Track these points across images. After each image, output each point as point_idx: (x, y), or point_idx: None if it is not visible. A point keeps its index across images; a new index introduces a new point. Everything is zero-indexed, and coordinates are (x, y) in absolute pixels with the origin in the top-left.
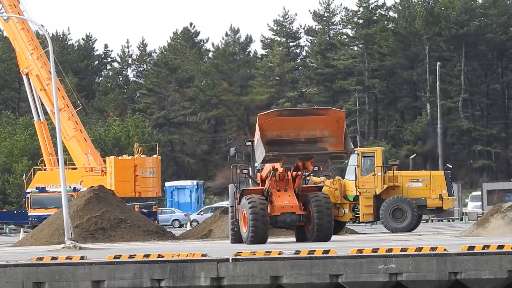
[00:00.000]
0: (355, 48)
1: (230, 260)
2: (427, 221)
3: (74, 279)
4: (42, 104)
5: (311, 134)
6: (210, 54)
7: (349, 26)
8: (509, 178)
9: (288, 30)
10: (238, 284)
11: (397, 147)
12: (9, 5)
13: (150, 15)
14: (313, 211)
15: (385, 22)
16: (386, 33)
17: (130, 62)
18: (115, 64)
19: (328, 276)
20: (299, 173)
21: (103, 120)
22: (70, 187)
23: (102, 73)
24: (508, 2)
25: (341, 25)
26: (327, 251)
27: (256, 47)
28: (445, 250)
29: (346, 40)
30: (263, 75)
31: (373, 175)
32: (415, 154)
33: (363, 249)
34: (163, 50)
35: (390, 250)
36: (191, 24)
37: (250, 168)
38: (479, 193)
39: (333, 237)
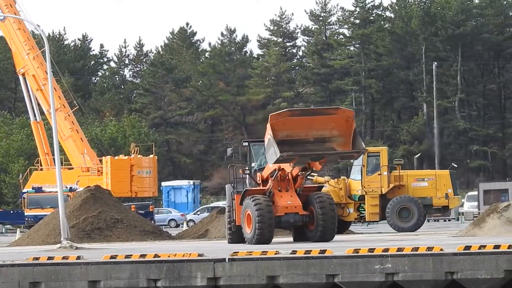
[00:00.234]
0: (352, 48)
1: (227, 260)
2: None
3: (71, 279)
4: (39, 104)
5: (320, 134)
6: (207, 54)
7: (346, 26)
8: (506, 178)
9: (285, 30)
10: (235, 284)
11: (394, 147)
12: (5, 5)
13: (147, 15)
14: (317, 211)
15: (382, 22)
16: (383, 33)
17: (127, 62)
18: (112, 64)
19: (324, 276)
20: (299, 173)
21: (100, 120)
22: (66, 187)
23: (99, 73)
24: (505, 2)
25: (338, 25)
26: (323, 251)
27: (253, 47)
28: (441, 250)
29: (343, 40)
30: (259, 75)
31: (378, 174)
32: (419, 154)
33: (360, 249)
34: (159, 50)
35: (386, 250)
36: (187, 24)
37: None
38: (475, 193)
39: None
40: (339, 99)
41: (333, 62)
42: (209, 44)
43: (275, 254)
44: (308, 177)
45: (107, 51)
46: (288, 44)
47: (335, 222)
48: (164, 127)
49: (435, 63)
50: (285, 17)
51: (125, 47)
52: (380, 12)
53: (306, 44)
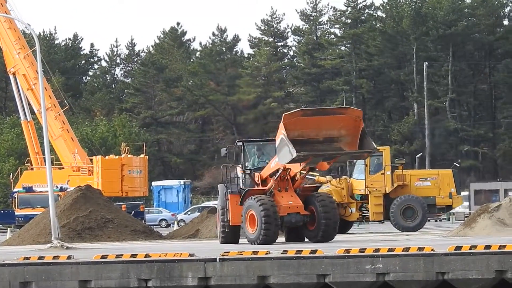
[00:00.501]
0: (343, 48)
1: (218, 260)
2: None
3: (61, 278)
4: (29, 104)
5: (329, 133)
6: (197, 54)
7: (337, 26)
8: (496, 179)
9: (276, 30)
10: (226, 284)
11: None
12: None
13: (138, 14)
14: (319, 211)
15: (373, 22)
16: (374, 33)
17: (118, 61)
18: (103, 64)
19: (315, 276)
20: (298, 172)
21: (90, 120)
22: (57, 186)
23: (89, 72)
24: (496, 2)
25: (329, 24)
26: (314, 251)
27: (243, 47)
28: (432, 250)
29: (334, 39)
30: (250, 75)
31: (382, 174)
32: (421, 153)
33: (351, 249)
34: (150, 50)
35: (377, 250)
36: (178, 23)
37: (238, 168)
38: (466, 193)
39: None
40: (330, 99)
41: (324, 62)
42: (200, 43)
43: (266, 254)
44: (310, 176)
45: (98, 50)
46: (279, 44)
47: (337, 223)
48: (155, 126)
49: (426, 63)
50: (276, 17)
51: (116, 47)
52: (371, 12)
53: (297, 44)
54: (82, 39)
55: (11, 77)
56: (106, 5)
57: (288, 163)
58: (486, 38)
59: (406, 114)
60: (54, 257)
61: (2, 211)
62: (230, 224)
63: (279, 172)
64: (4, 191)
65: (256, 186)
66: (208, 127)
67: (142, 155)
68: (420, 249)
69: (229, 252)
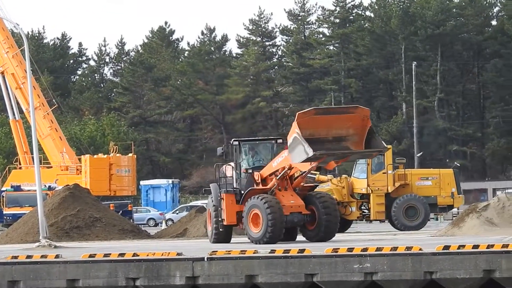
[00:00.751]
0: (331, 48)
1: (205, 259)
2: None
3: (49, 277)
4: (18, 103)
5: (339, 132)
6: (186, 53)
7: (325, 25)
8: (485, 178)
9: (264, 29)
10: (213, 283)
11: None
12: None
13: (127, 13)
14: (321, 211)
15: (362, 21)
16: (362, 32)
17: (107, 60)
18: (91, 63)
19: (303, 275)
20: (295, 172)
21: (79, 119)
22: (45, 185)
23: (78, 71)
24: (484, 2)
25: (317, 24)
26: (302, 250)
27: (232, 46)
28: (420, 249)
29: (323, 39)
30: (238, 74)
31: (383, 173)
32: (421, 152)
33: (338, 249)
34: (139, 49)
35: (365, 249)
36: (166, 23)
37: (231, 166)
38: None
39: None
40: (318, 98)
41: (313, 62)
42: (188, 43)
43: (254, 253)
44: (310, 175)
45: (86, 49)
46: (267, 43)
47: (338, 222)
48: (143, 126)
49: (415, 62)
50: (263, 17)
51: (104, 46)
52: (360, 12)
53: (285, 43)
54: (71, 38)
55: None
56: (94, 5)
57: (302, 162)
58: (474, 38)
59: (395, 114)
60: (42, 256)
61: None
62: (225, 224)
63: (284, 171)
64: None
65: (255, 186)
66: (197, 127)
67: (130, 154)
68: (408, 248)
69: (217, 251)
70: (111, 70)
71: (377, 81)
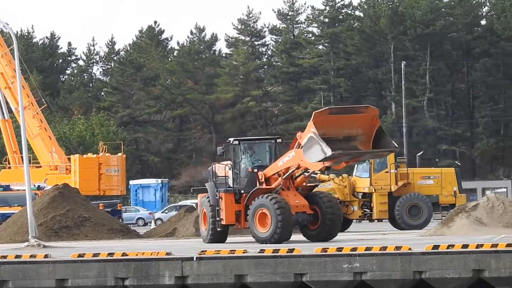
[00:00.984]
0: (321, 47)
1: (195, 259)
2: None
3: (38, 277)
4: (7, 102)
5: (349, 132)
6: (175, 53)
7: (315, 25)
8: (474, 178)
9: (253, 29)
10: (203, 282)
11: None
12: None
13: (116, 13)
14: (324, 211)
15: (351, 21)
16: (352, 32)
17: (97, 59)
18: (80, 62)
19: (292, 275)
20: (296, 171)
21: (68, 118)
22: (34, 185)
23: (67, 71)
24: (474, 2)
25: (307, 23)
26: (291, 250)
27: (221, 46)
28: (409, 249)
29: (312, 38)
30: (228, 74)
31: (386, 172)
32: (422, 152)
33: (328, 248)
34: (128, 49)
35: (354, 249)
36: (155, 22)
37: (223, 166)
38: None
39: (297, 237)
40: (307, 98)
41: (302, 61)
42: (178, 43)
43: (243, 253)
44: (312, 174)
45: (75, 49)
46: (256, 43)
47: (341, 222)
48: (133, 125)
49: (404, 62)
50: (252, 16)
51: (93, 45)
52: (349, 11)
53: (274, 43)
54: (60, 37)
55: None
56: (83, 4)
57: (318, 161)
58: (463, 37)
59: (384, 113)
60: (31, 256)
61: None
62: (223, 223)
63: (291, 170)
64: None
65: (259, 185)
66: (186, 126)
67: (119, 154)
68: (398, 248)
69: (206, 251)
70: (100, 70)
71: (367, 80)
